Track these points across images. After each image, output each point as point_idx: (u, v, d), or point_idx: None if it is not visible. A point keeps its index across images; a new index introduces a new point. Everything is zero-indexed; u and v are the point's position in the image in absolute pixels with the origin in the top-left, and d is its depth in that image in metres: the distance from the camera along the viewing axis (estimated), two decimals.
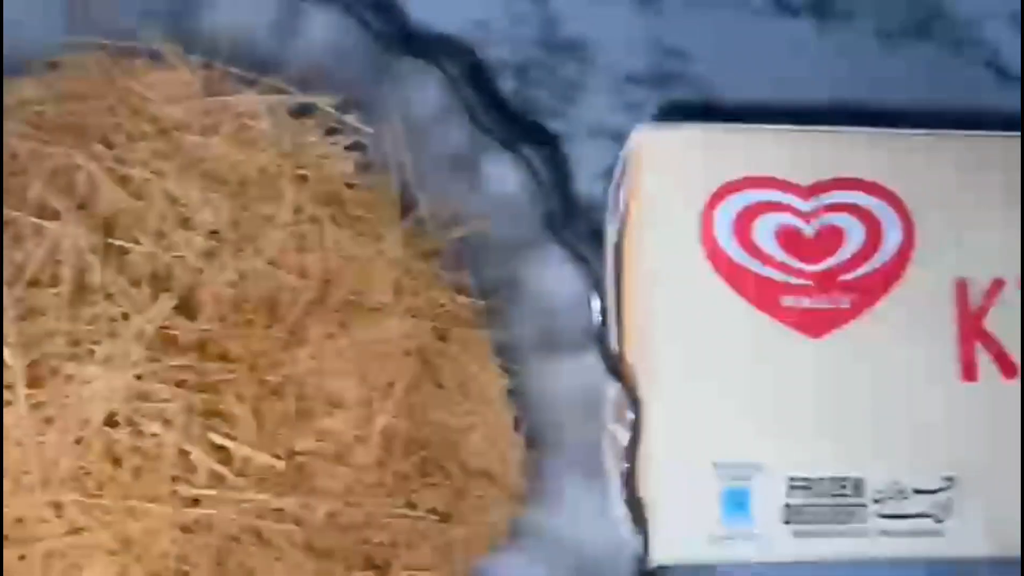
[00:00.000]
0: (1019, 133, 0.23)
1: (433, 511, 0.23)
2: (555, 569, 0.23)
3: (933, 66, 0.30)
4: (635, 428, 0.21)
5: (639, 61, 0.29)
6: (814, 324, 0.22)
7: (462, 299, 0.24)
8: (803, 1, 0.30)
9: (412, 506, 0.23)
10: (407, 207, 0.24)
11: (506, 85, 0.29)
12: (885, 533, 0.21)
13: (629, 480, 0.21)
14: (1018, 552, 0.21)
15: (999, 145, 0.23)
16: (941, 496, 0.21)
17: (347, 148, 0.25)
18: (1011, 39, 0.30)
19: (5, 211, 0.21)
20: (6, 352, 0.20)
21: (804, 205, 0.22)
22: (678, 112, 0.27)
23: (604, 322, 0.22)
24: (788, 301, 0.22)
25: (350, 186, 0.24)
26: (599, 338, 0.22)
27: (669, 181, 0.22)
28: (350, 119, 0.24)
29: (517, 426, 0.24)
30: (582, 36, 0.29)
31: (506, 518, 0.24)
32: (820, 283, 0.22)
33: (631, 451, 0.21)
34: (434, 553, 0.23)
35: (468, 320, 0.24)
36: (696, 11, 0.30)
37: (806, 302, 0.22)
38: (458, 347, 0.24)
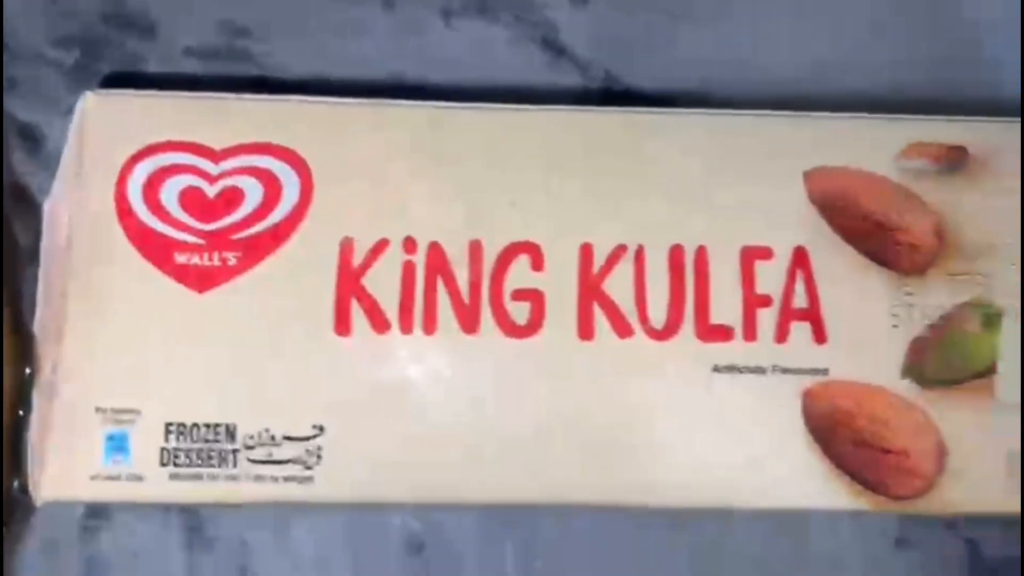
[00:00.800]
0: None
1: None
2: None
3: (494, 43, 0.31)
4: (26, 379, 0.22)
5: (202, 37, 0.31)
6: (200, 279, 0.23)
7: None
8: None
9: None
10: None
11: (72, 57, 0.30)
12: (258, 478, 0.22)
13: (18, 426, 0.22)
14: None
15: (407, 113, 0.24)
16: (311, 443, 0.22)
17: None
18: (569, 17, 0.31)
19: None
20: None
21: (213, 168, 0.24)
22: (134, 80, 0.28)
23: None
24: (180, 258, 0.23)
25: None
26: None
27: (100, 144, 0.24)
28: None
29: None
30: (146, 11, 0.31)
31: None
32: (212, 241, 0.23)
33: (20, 399, 0.22)
34: None
35: None
36: None
37: (196, 259, 0.23)
38: None
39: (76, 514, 0.27)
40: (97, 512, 0.27)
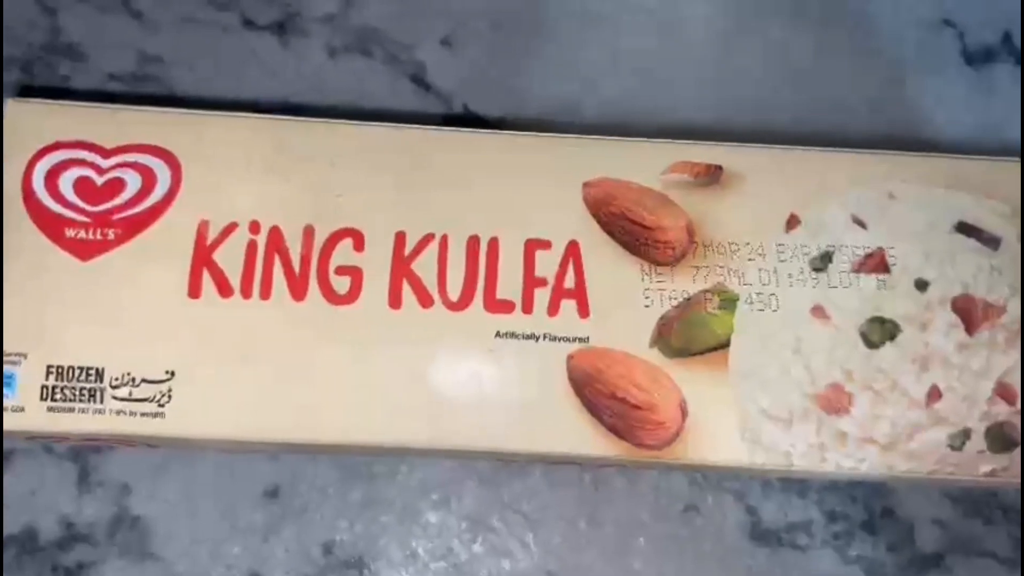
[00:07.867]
0: None
1: None
2: None
3: (368, 76, 0.37)
4: None
5: (123, 63, 0.36)
6: (84, 250, 0.28)
7: None
8: (267, 20, 0.37)
9: None
10: None
11: (14, 77, 0.36)
12: (119, 413, 0.27)
13: None
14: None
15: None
16: (163, 386, 0.27)
17: None
18: (437, 59, 0.37)
19: None
20: None
21: (103, 162, 0.29)
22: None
23: None
24: (69, 232, 0.28)
25: None
26: None
27: (14, 140, 0.29)
28: None
29: None
30: (79, 41, 0.37)
31: None
32: (96, 220, 0.28)
33: None
34: None
35: None
36: (179, 25, 0.37)
37: (82, 234, 0.28)
38: None
39: None
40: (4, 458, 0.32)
